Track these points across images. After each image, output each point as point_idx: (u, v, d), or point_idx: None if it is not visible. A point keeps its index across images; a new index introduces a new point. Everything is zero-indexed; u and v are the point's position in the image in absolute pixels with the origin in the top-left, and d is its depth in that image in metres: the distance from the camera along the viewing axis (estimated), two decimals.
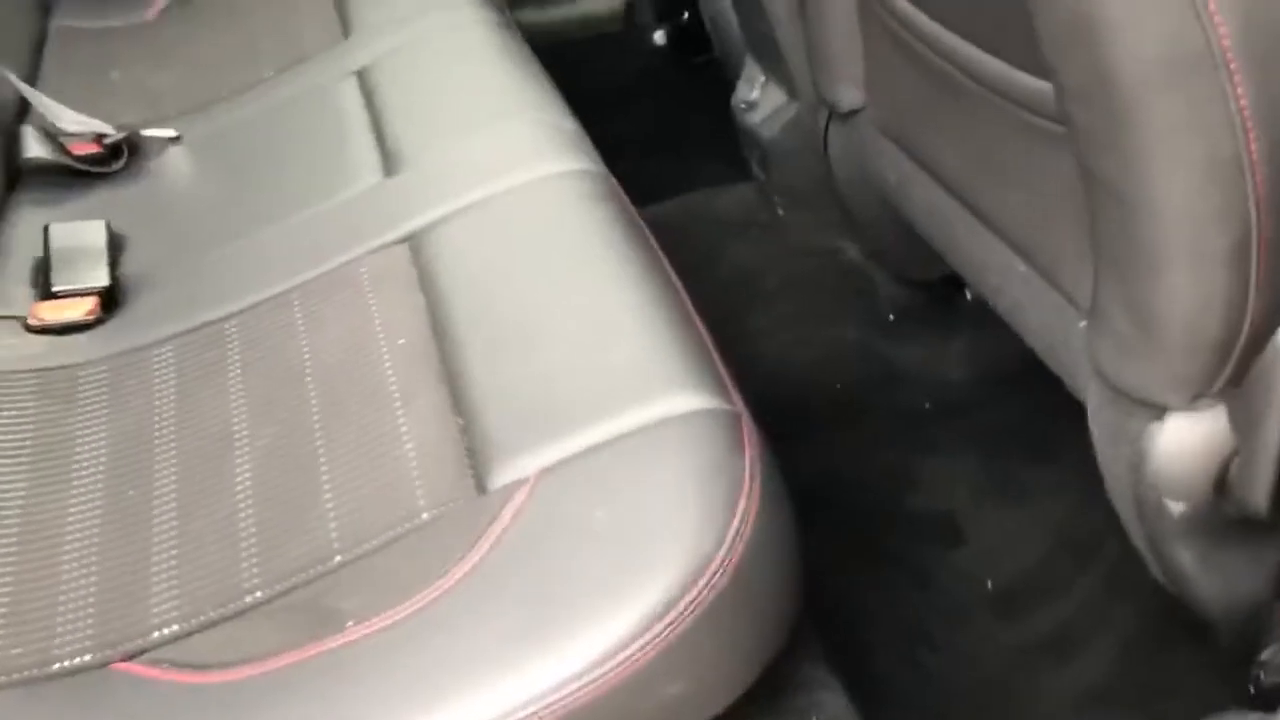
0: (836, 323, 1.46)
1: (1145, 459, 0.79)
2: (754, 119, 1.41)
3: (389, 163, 1.19)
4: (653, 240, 1.03)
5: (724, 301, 1.47)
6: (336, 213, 1.15)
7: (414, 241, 1.06)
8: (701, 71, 1.86)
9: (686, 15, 2.02)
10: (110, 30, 1.68)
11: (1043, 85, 0.78)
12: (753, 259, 1.53)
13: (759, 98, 1.41)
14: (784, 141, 1.39)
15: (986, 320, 1.09)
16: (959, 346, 1.43)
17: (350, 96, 1.33)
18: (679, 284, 0.98)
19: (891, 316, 1.47)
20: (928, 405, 1.40)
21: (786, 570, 0.79)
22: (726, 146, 1.60)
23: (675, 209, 1.59)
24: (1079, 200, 0.77)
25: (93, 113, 1.38)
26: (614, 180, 1.12)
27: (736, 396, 0.86)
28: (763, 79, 1.41)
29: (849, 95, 1.18)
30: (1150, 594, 0.90)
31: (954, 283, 1.29)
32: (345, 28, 1.49)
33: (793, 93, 1.35)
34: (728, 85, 1.57)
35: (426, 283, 1.01)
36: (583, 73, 1.81)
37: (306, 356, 0.98)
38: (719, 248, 1.54)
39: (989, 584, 1.18)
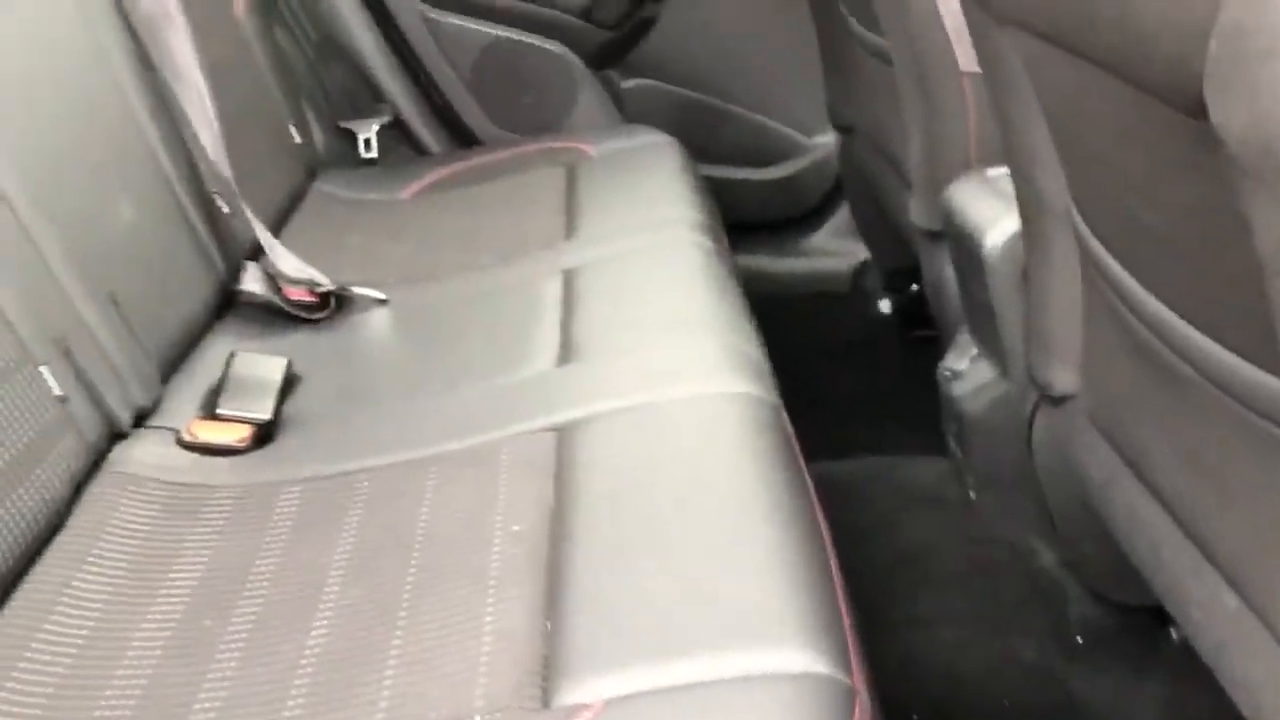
0: (1015, 631, 1.30)
1: None
2: (958, 390, 1.32)
3: (565, 353, 1.17)
4: (810, 482, 0.94)
5: (893, 577, 1.35)
6: (500, 391, 1.13)
7: (563, 432, 1.02)
8: (919, 345, 1.79)
9: (914, 287, 1.97)
10: (364, 202, 1.79)
11: (1276, 384, 0.67)
12: (933, 538, 1.40)
13: (967, 369, 1.32)
14: (987, 419, 1.29)
15: (1191, 667, 0.93)
16: (1154, 691, 1.23)
17: (552, 290, 1.34)
18: (827, 534, 0.88)
19: (1080, 639, 1.30)
20: None
21: None
22: (928, 418, 1.51)
23: (860, 469, 1.49)
24: None
25: (318, 266, 1.44)
26: (784, 413, 1.05)
27: (861, 673, 0.74)
28: (974, 351, 1.33)
29: (1062, 379, 1.08)
30: None
31: (1158, 614, 1.12)
32: (569, 229, 1.52)
33: (1004, 370, 1.26)
34: (941, 358, 1.49)
35: (562, 474, 0.95)
36: (802, 327, 1.78)
37: (422, 525, 0.93)
38: (899, 518, 1.42)
39: None
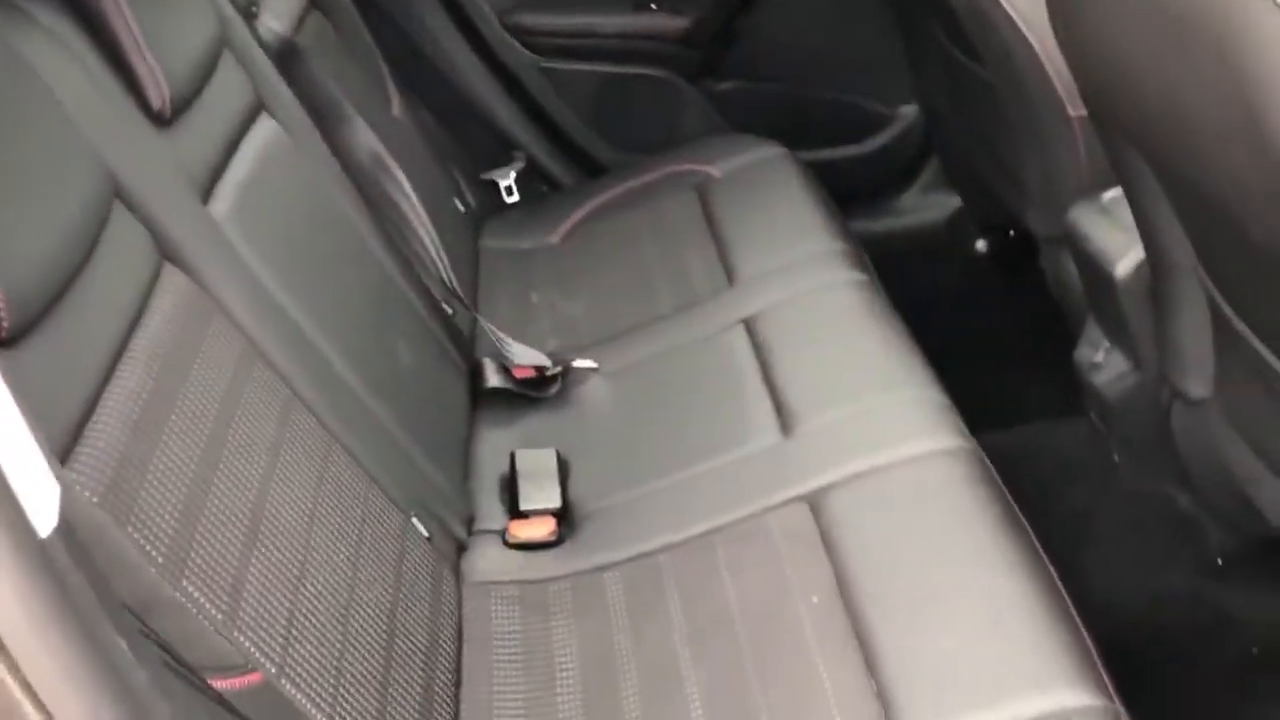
0: (1166, 569, 1.58)
1: None
2: (1098, 379, 1.56)
3: (784, 421, 1.42)
4: (1026, 524, 1.21)
5: (1058, 541, 1.62)
6: (744, 464, 1.39)
7: (813, 501, 1.28)
8: (1022, 281, 1.97)
9: (1010, 232, 2.18)
10: (523, 252, 2.02)
11: None
12: (1086, 501, 1.67)
13: (1103, 361, 1.56)
14: (1127, 403, 1.52)
15: None
16: None
17: (740, 346, 1.58)
18: (1053, 571, 1.15)
19: (1220, 561, 1.57)
20: (1255, 650, 1.49)
21: None
22: (1054, 369, 1.69)
23: (1013, 442, 1.72)
24: None
25: (521, 335, 1.69)
26: (985, 459, 1.30)
27: (1115, 694, 1.02)
28: (1106, 344, 1.56)
29: (1196, 386, 1.30)
30: None
31: None
32: (729, 275, 1.75)
33: (1137, 362, 1.49)
34: (1049, 300, 1.71)
35: (828, 544, 1.22)
36: (906, 278, 2.01)
37: (732, 600, 1.21)
38: (1056, 488, 1.69)
39: None
